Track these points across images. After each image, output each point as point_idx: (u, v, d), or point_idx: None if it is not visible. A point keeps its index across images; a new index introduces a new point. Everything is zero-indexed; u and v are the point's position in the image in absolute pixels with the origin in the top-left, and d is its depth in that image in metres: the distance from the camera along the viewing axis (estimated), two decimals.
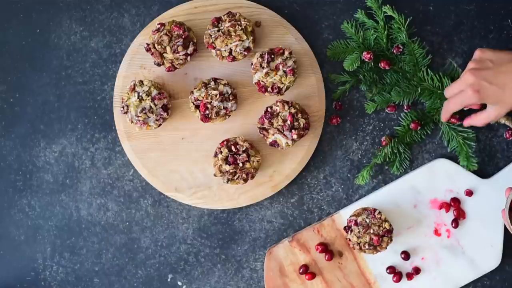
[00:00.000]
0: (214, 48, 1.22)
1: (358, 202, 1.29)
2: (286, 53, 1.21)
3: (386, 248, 1.23)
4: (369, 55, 1.25)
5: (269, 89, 1.22)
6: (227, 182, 1.22)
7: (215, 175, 1.22)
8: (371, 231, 1.22)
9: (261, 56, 1.21)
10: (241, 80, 1.27)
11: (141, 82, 1.22)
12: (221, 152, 1.21)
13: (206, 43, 1.22)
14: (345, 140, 1.31)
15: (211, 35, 1.21)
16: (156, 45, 1.21)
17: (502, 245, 1.28)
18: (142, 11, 1.30)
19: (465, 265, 1.28)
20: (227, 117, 1.24)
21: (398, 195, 1.29)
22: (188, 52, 1.21)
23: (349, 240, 1.24)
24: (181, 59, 1.22)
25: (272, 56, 1.21)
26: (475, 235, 1.28)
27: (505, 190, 1.16)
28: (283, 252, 1.29)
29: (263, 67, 1.21)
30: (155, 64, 1.23)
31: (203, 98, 1.21)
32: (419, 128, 1.28)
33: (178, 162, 1.27)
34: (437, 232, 1.28)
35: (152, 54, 1.22)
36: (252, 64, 1.23)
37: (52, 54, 1.30)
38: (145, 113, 1.21)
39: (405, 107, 1.29)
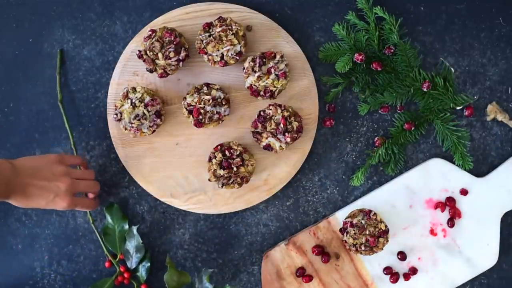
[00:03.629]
0: (206, 53, 1.22)
1: (354, 204, 1.30)
2: (278, 56, 1.22)
3: (382, 249, 1.23)
4: (361, 57, 1.25)
5: (262, 93, 1.23)
6: (222, 186, 1.22)
7: (209, 180, 1.22)
8: (367, 232, 1.22)
9: (253, 60, 1.22)
10: (233, 84, 1.28)
11: (134, 89, 1.22)
12: (215, 157, 1.21)
13: (198, 48, 1.23)
14: (339, 142, 1.31)
15: (202, 41, 1.22)
16: (148, 52, 1.21)
17: (499, 243, 1.28)
18: (134, 18, 1.31)
19: (462, 264, 1.28)
20: (220, 122, 1.24)
21: (393, 195, 1.29)
22: (180, 58, 1.22)
23: (345, 241, 1.24)
24: (173, 65, 1.22)
25: (264, 60, 1.21)
26: (471, 234, 1.28)
27: None
28: (280, 255, 1.29)
29: (255, 71, 1.21)
30: (147, 70, 1.23)
31: (196, 103, 1.21)
32: (413, 128, 1.28)
33: (172, 168, 1.28)
34: (433, 232, 1.28)
35: (144, 60, 1.22)
36: (244, 68, 1.23)
37: (45, 63, 1.31)
38: (139, 120, 1.21)
39: (398, 108, 1.30)
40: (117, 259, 1.30)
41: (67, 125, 1.28)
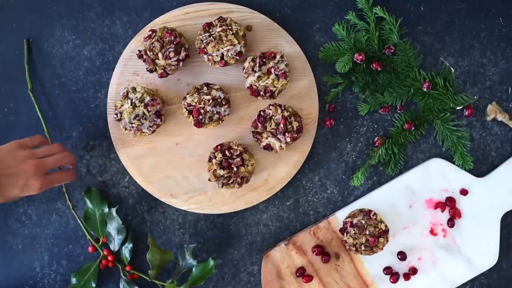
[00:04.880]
0: (206, 53, 1.22)
1: (354, 204, 1.30)
2: (278, 56, 1.22)
3: (382, 249, 1.23)
4: (361, 57, 1.25)
5: (262, 93, 1.23)
6: (222, 186, 1.22)
7: (209, 180, 1.22)
8: (367, 232, 1.22)
9: (253, 60, 1.22)
10: (233, 84, 1.28)
11: (134, 89, 1.22)
12: (215, 157, 1.21)
13: (198, 48, 1.23)
14: (339, 142, 1.31)
15: (202, 41, 1.22)
16: (148, 52, 1.21)
17: (499, 243, 1.28)
18: (134, 18, 1.30)
19: (462, 264, 1.28)
20: (220, 121, 1.24)
21: (393, 195, 1.29)
22: (180, 57, 1.22)
23: (345, 241, 1.24)
24: (173, 65, 1.22)
25: (264, 60, 1.21)
26: (471, 234, 1.28)
27: None
28: (280, 255, 1.29)
29: (255, 71, 1.21)
30: (147, 70, 1.23)
31: (196, 103, 1.21)
32: (413, 128, 1.28)
33: (172, 168, 1.28)
34: (433, 232, 1.28)
35: (144, 60, 1.22)
36: (244, 68, 1.23)
37: (45, 63, 1.31)
38: (139, 120, 1.21)
39: (398, 108, 1.30)
40: (100, 243, 1.30)
41: (39, 113, 1.28)
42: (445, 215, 1.28)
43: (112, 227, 1.29)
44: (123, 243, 1.30)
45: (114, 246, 1.29)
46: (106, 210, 1.29)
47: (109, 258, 1.30)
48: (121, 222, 1.28)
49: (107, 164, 1.31)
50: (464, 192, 1.28)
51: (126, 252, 1.29)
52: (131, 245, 1.29)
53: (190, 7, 1.27)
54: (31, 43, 1.30)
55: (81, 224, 1.30)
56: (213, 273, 1.25)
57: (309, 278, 1.28)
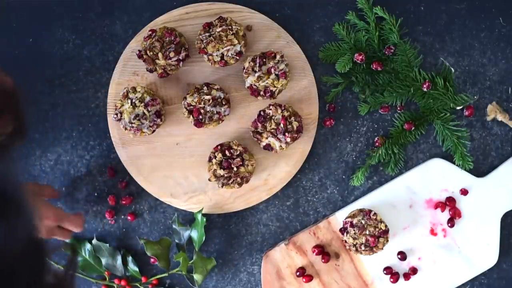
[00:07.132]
0: (206, 53, 1.22)
1: (354, 204, 1.30)
2: (278, 56, 1.22)
3: (382, 249, 1.23)
4: (361, 57, 1.25)
5: (262, 93, 1.23)
6: (222, 186, 1.22)
7: (209, 180, 1.22)
8: (367, 232, 1.22)
9: (253, 60, 1.22)
10: (233, 84, 1.28)
11: (134, 88, 1.22)
12: (215, 157, 1.21)
13: (198, 48, 1.23)
14: (339, 142, 1.31)
15: (202, 40, 1.22)
16: (148, 52, 1.21)
17: (499, 243, 1.28)
18: (134, 18, 1.30)
19: (462, 264, 1.28)
20: (220, 121, 1.24)
21: (393, 195, 1.29)
22: (180, 57, 1.22)
23: (345, 241, 1.24)
24: (173, 65, 1.22)
25: (264, 60, 1.21)
26: (471, 234, 1.28)
27: None
28: (280, 255, 1.29)
29: (255, 71, 1.21)
30: (147, 70, 1.23)
31: (196, 103, 1.21)
32: (413, 128, 1.28)
33: (172, 168, 1.28)
34: (433, 232, 1.28)
35: (144, 60, 1.22)
36: (244, 68, 1.23)
37: (45, 63, 1.31)
38: (139, 120, 1.21)
39: (398, 108, 1.30)
40: (107, 278, 1.29)
41: None
42: (445, 215, 1.28)
43: (106, 257, 1.28)
44: (124, 263, 1.29)
45: (119, 271, 1.29)
46: (89, 245, 1.28)
47: (123, 283, 1.29)
48: (107, 245, 1.28)
49: (107, 164, 1.31)
50: (464, 192, 1.28)
51: (132, 266, 1.29)
52: (130, 257, 1.29)
53: (190, 7, 1.28)
54: (30, 43, 1.30)
55: (81, 276, 1.30)
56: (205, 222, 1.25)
57: (309, 278, 1.28)
